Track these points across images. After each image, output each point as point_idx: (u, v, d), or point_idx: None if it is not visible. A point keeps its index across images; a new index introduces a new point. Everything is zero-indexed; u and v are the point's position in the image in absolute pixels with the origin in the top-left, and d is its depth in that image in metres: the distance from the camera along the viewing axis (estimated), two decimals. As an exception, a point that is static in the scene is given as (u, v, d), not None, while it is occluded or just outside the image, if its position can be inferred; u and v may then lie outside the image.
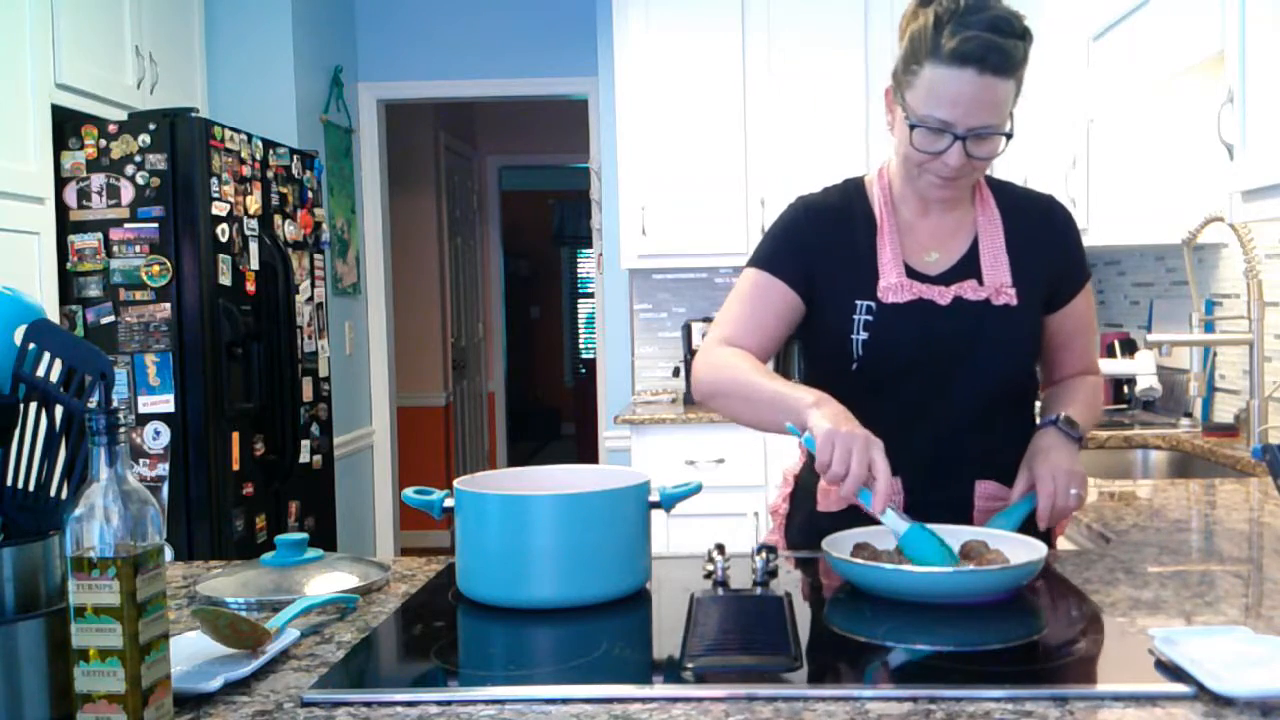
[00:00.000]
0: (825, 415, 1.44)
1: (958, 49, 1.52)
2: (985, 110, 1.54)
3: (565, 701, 1.02)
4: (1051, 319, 1.72)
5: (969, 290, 1.64)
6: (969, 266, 1.67)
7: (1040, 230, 1.71)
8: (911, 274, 1.66)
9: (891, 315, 1.63)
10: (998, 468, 1.67)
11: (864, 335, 1.63)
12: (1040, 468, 1.59)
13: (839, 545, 1.42)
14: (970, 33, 1.52)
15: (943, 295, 1.64)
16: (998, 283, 1.65)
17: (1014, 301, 1.64)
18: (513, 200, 8.99)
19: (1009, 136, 1.58)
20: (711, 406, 1.69)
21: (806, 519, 1.73)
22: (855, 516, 1.61)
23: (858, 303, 1.64)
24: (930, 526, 1.43)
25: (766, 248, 1.73)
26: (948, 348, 1.63)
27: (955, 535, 1.47)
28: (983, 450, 1.67)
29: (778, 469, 2.62)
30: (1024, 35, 1.55)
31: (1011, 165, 3.87)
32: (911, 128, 1.58)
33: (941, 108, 1.55)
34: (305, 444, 3.90)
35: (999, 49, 1.52)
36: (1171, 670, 1.05)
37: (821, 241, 1.70)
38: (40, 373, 1.11)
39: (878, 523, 1.44)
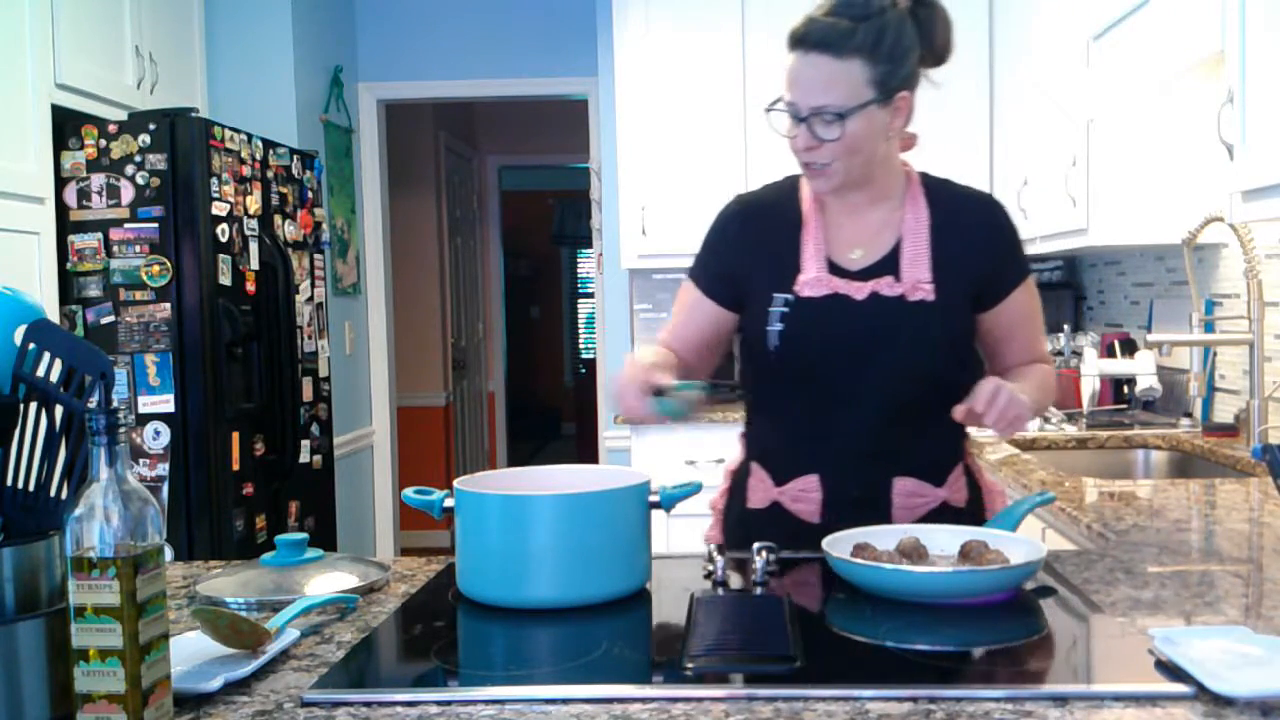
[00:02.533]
0: (612, 380, 1.56)
1: (794, 32, 1.60)
2: (819, 90, 1.59)
3: (565, 701, 1.02)
4: (988, 315, 1.74)
5: (885, 286, 1.67)
6: (890, 263, 1.69)
7: (971, 228, 1.72)
8: (834, 270, 1.69)
9: (806, 309, 1.67)
10: (918, 465, 1.69)
11: (779, 327, 1.67)
12: (985, 381, 1.57)
13: (839, 545, 1.42)
14: (809, 16, 1.60)
15: (859, 290, 1.67)
16: (915, 278, 1.67)
17: (931, 298, 1.66)
18: (513, 200, 8.98)
19: (841, 117, 1.59)
20: None
21: (738, 514, 1.78)
22: (776, 514, 1.68)
23: (776, 295, 1.68)
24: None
25: (698, 259, 1.82)
26: (862, 343, 1.65)
27: (955, 535, 1.47)
28: (902, 447, 1.69)
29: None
30: (866, 15, 1.58)
31: (1012, 165, 3.88)
32: (767, 111, 1.65)
33: (788, 90, 1.62)
34: (305, 444, 3.90)
35: (825, 27, 1.58)
36: (1171, 670, 1.05)
37: (749, 238, 1.75)
38: (40, 373, 1.11)
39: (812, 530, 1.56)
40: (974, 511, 1.75)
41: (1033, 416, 1.61)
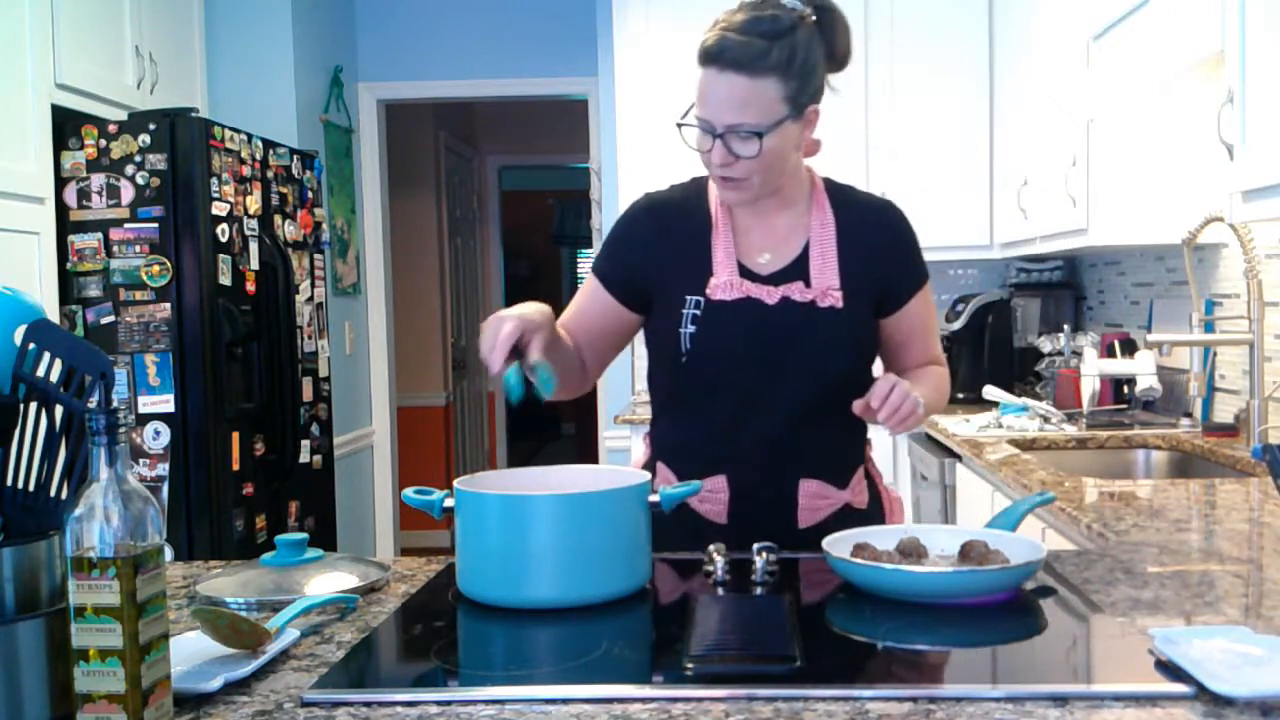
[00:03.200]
0: (486, 322, 1.50)
1: (705, 48, 1.60)
2: (735, 109, 1.59)
3: (565, 701, 1.02)
4: (888, 321, 1.77)
5: (796, 291, 1.68)
6: (799, 268, 1.71)
7: (874, 235, 1.75)
8: (744, 273, 1.70)
9: (719, 312, 1.67)
10: (823, 467, 1.72)
11: (691, 329, 1.68)
12: (882, 378, 1.60)
13: (839, 545, 1.42)
14: (718, 32, 1.59)
15: (771, 295, 1.68)
16: (825, 285, 1.69)
17: (839, 304, 1.68)
18: (513, 200, 8.98)
19: (759, 136, 1.60)
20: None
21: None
22: (683, 513, 1.64)
23: (687, 297, 1.69)
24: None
25: (602, 252, 1.82)
26: (773, 347, 1.67)
27: (955, 535, 1.47)
28: (808, 449, 1.71)
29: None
30: (780, 35, 1.58)
31: (1012, 165, 3.88)
32: (679, 126, 1.65)
33: (701, 106, 1.62)
34: (305, 444, 3.90)
35: (738, 46, 1.57)
36: (1171, 670, 1.05)
37: (657, 237, 1.75)
38: (40, 373, 1.11)
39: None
40: (874, 514, 1.79)
41: (926, 415, 1.64)
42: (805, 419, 1.69)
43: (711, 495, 1.70)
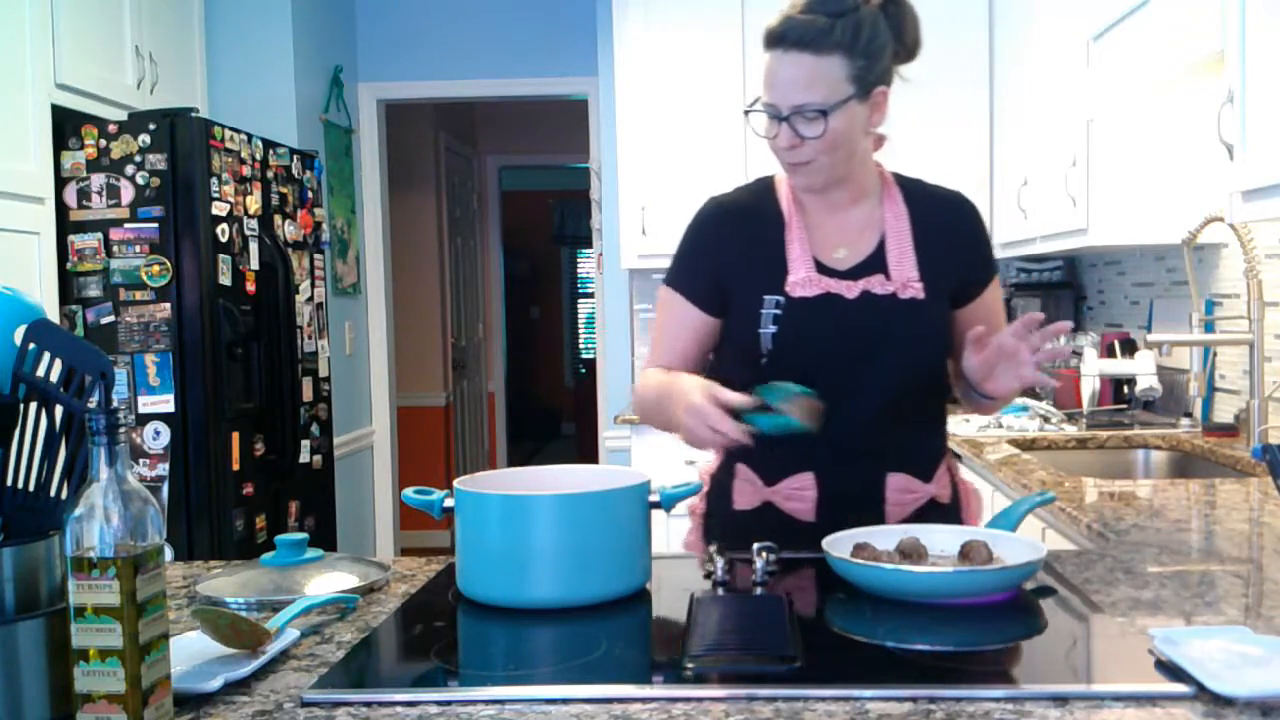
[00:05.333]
0: (688, 408, 1.50)
1: (771, 31, 1.60)
2: (800, 89, 1.59)
3: (565, 701, 1.02)
4: (961, 313, 1.75)
5: (876, 284, 1.68)
6: (877, 262, 1.70)
7: (948, 226, 1.75)
8: (821, 269, 1.69)
9: (800, 309, 1.66)
10: (909, 460, 1.71)
11: (772, 329, 1.66)
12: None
13: (839, 545, 1.42)
14: (785, 14, 1.60)
15: (850, 289, 1.67)
16: (904, 277, 1.68)
17: (921, 295, 1.68)
18: (513, 200, 8.98)
19: (824, 114, 1.60)
20: (650, 425, 1.77)
21: (726, 517, 1.76)
22: (768, 514, 1.68)
23: (766, 297, 1.68)
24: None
25: (676, 264, 1.79)
26: (856, 341, 1.66)
27: (955, 535, 1.47)
28: (894, 443, 1.70)
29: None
30: (844, 11, 1.59)
31: (1012, 165, 3.88)
32: (746, 114, 1.66)
33: (766, 91, 1.62)
34: (305, 444, 3.90)
35: (801, 25, 1.58)
36: (1171, 670, 1.05)
37: (731, 240, 1.74)
38: (40, 373, 1.11)
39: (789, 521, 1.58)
40: (956, 508, 1.79)
41: (1009, 401, 1.67)
42: (891, 413, 1.68)
43: (799, 493, 1.69)
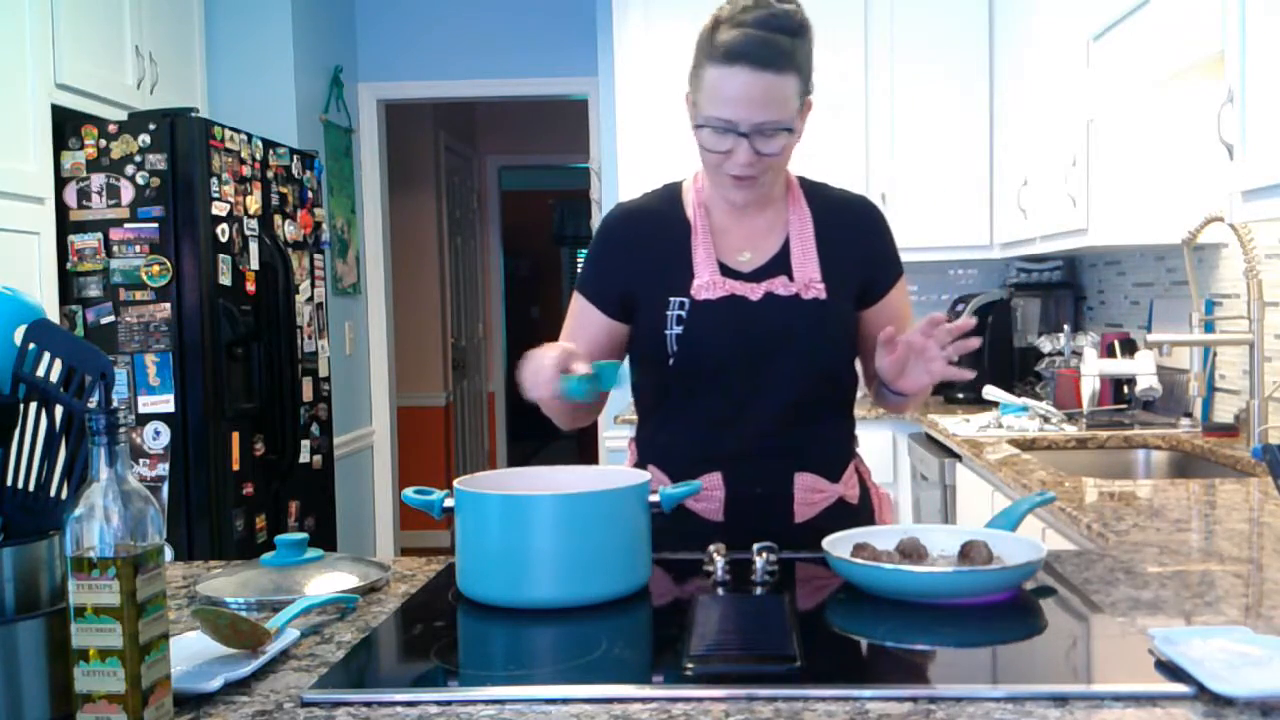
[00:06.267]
0: (526, 355, 1.54)
1: (730, 47, 1.58)
2: (765, 107, 1.59)
3: (565, 701, 1.02)
4: (868, 313, 1.78)
5: (780, 286, 1.70)
6: (781, 264, 1.72)
7: (851, 227, 1.78)
8: (725, 272, 1.71)
9: (704, 311, 1.68)
10: (816, 461, 1.73)
11: (678, 330, 1.68)
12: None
13: (839, 545, 1.42)
14: (742, 30, 1.58)
15: (754, 291, 1.69)
16: (807, 278, 1.70)
17: (824, 296, 1.70)
18: (513, 200, 8.98)
19: (791, 131, 1.63)
20: (558, 422, 1.79)
21: None
22: (678, 515, 1.61)
23: (671, 299, 1.69)
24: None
25: (584, 269, 1.83)
26: (761, 342, 1.68)
27: (955, 535, 1.47)
28: (801, 443, 1.71)
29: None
30: (798, 32, 1.60)
31: (1012, 165, 3.88)
32: (698, 128, 1.64)
33: (723, 106, 1.60)
34: (305, 444, 3.90)
35: (769, 44, 1.58)
36: (1171, 670, 1.05)
37: (636, 245, 1.76)
38: (40, 373, 1.11)
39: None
40: (865, 509, 1.80)
41: (922, 398, 1.68)
42: (797, 412, 1.70)
43: (706, 494, 1.70)
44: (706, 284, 1.69)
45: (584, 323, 1.79)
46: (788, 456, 1.71)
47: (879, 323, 1.77)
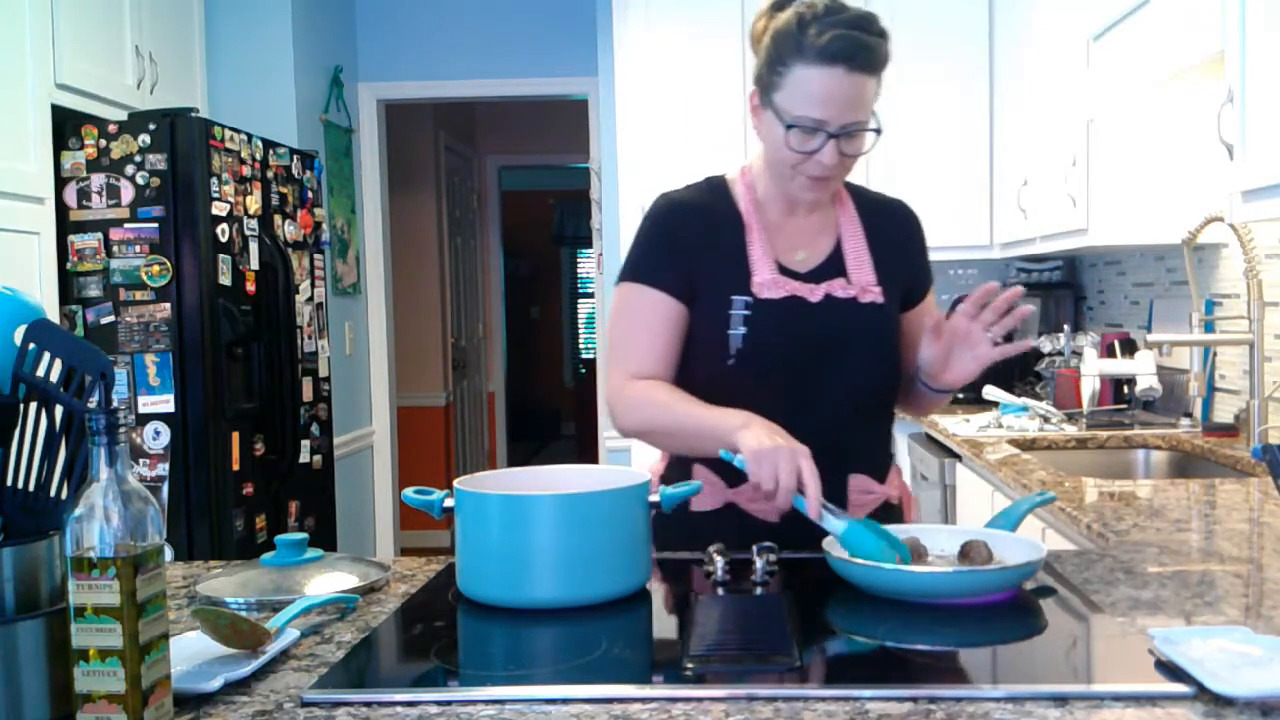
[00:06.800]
0: (753, 435, 1.48)
1: (827, 47, 1.56)
2: (855, 107, 1.59)
3: (565, 701, 1.02)
4: (908, 315, 1.78)
5: (838, 288, 1.69)
6: (836, 265, 1.72)
7: (896, 232, 1.79)
8: (783, 271, 1.70)
9: (767, 310, 1.66)
10: (867, 462, 1.73)
11: (741, 330, 1.66)
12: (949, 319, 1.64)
13: (839, 546, 1.42)
14: (836, 31, 1.56)
15: (813, 292, 1.68)
16: (863, 281, 1.71)
17: (880, 300, 1.70)
18: (513, 200, 8.98)
19: (878, 132, 1.63)
20: (644, 441, 1.73)
21: (680, 518, 1.68)
22: (729, 516, 1.67)
23: (734, 298, 1.66)
24: (872, 522, 1.44)
25: (642, 258, 1.72)
26: (820, 343, 1.67)
27: (955, 535, 1.47)
28: (855, 444, 1.72)
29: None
30: (884, 34, 1.60)
31: (1012, 165, 3.88)
32: (788, 128, 1.61)
33: (814, 107, 1.58)
34: (305, 444, 3.90)
35: (865, 46, 1.57)
36: (1171, 670, 1.05)
37: (691, 237, 1.71)
38: (40, 373, 1.11)
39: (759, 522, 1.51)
40: (902, 510, 1.81)
41: (975, 377, 1.69)
42: (851, 415, 1.69)
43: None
44: (768, 282, 1.67)
45: (652, 316, 1.69)
46: (841, 458, 1.68)
47: (914, 327, 1.76)
